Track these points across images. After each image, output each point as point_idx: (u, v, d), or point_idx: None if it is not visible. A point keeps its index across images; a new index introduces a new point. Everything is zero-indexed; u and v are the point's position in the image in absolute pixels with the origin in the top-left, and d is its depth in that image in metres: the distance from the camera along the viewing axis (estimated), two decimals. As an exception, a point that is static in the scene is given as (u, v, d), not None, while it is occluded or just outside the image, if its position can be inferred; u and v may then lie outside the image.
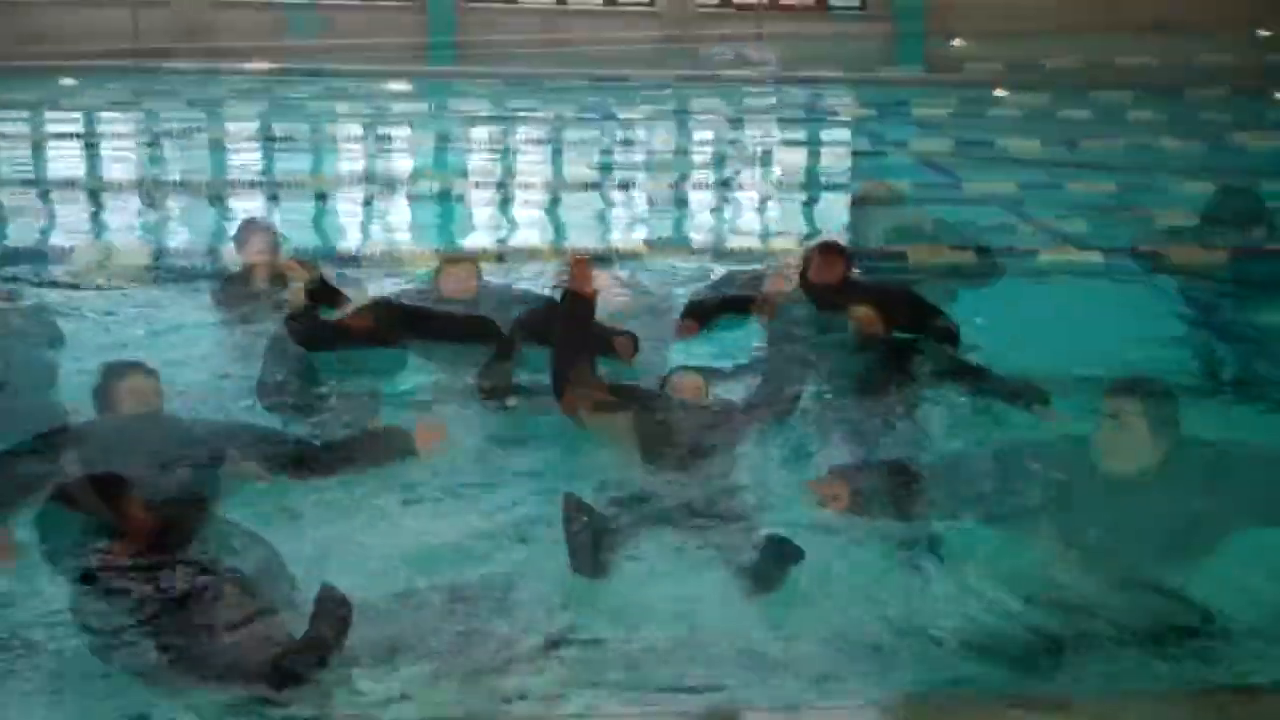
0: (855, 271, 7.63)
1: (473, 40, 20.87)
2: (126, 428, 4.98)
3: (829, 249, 7.55)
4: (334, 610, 3.90)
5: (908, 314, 7.17)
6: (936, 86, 20.09)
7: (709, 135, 16.01)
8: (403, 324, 6.62)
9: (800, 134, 16.63)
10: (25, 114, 16.11)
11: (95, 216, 10.94)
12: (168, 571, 4.30)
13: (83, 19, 19.95)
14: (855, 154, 15.36)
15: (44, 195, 11.51)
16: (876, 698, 4.06)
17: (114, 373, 5.28)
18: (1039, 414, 6.18)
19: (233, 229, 8.12)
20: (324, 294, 7.27)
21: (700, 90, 19.23)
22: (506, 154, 14.31)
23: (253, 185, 12.18)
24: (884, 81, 20.67)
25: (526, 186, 12.22)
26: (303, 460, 5.22)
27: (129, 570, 4.30)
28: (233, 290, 7.38)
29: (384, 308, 6.82)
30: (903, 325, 7.01)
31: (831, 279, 7.29)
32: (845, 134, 16.83)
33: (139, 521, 4.47)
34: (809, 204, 12.34)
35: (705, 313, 7.55)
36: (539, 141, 14.91)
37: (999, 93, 19.14)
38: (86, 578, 4.25)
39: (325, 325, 6.75)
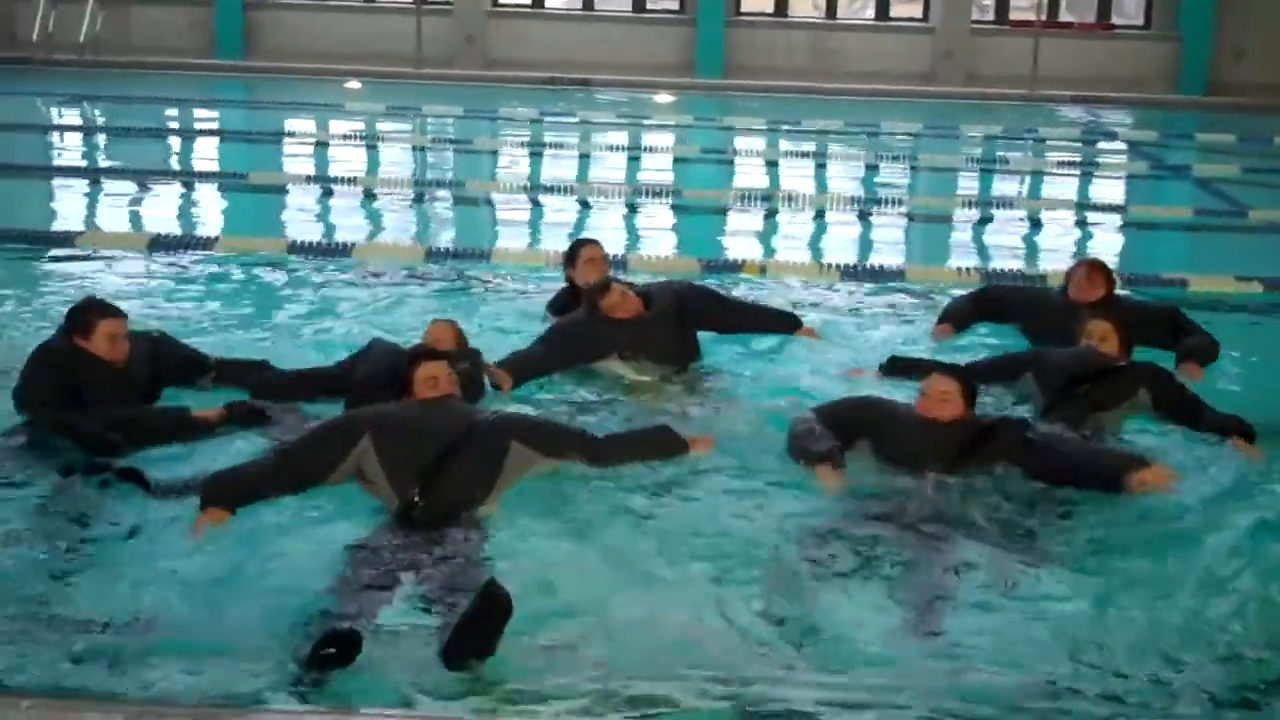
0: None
1: (740, 52, 20.94)
2: (421, 413, 5.20)
3: (1092, 266, 7.34)
4: (495, 602, 4.01)
5: (1161, 334, 6.99)
6: (1223, 111, 19.24)
7: (977, 153, 15.66)
8: None
9: (1075, 155, 16.12)
10: (312, 116, 16.89)
11: (373, 214, 11.33)
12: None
13: (369, 25, 20.83)
14: (1132, 177, 14.78)
15: (326, 193, 11.98)
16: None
17: (413, 359, 5.48)
18: (1239, 449, 5.74)
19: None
20: None
21: (969, 107, 18.87)
22: (772, 168, 14.28)
23: (519, 189, 12.46)
24: (1167, 103, 19.89)
25: (790, 200, 12.15)
26: (583, 450, 5.34)
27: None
28: (563, 305, 7.42)
29: None
30: (1153, 344, 6.80)
31: (1092, 297, 7.10)
32: (1122, 157, 16.25)
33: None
34: (1080, 226, 11.94)
35: (962, 318, 7.46)
36: (804, 155, 14.84)
37: (1291, 118, 18.18)
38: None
39: None
